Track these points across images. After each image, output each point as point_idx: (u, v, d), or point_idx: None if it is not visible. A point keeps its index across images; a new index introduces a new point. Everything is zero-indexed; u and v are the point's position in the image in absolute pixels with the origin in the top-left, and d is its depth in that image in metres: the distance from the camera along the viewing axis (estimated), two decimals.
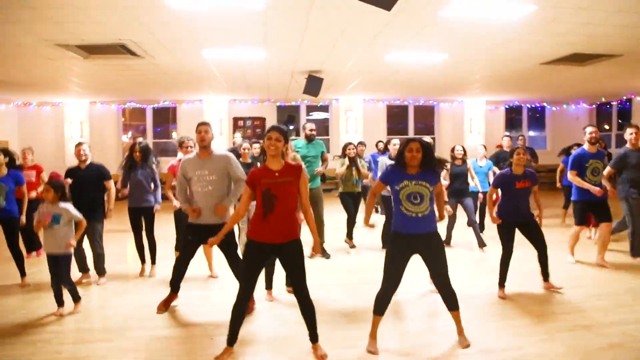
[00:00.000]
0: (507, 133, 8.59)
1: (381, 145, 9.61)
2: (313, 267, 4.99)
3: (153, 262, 5.28)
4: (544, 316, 3.91)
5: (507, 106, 14.83)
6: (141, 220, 5.25)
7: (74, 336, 3.67)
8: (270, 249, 3.18)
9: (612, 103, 14.25)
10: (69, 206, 4.11)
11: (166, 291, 4.27)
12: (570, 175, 5.36)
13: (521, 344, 3.39)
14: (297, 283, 3.21)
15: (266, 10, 5.33)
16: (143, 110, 13.76)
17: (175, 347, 3.47)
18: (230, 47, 7.13)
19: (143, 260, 5.30)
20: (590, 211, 5.56)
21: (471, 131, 14.05)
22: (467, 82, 10.89)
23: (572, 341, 3.40)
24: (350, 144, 6.55)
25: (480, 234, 6.40)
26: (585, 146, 5.39)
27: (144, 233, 5.29)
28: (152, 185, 5.29)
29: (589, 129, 5.39)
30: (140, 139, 5.47)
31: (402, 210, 3.29)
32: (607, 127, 14.88)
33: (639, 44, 6.90)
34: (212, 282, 5.04)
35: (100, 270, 5.07)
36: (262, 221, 3.12)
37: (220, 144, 12.42)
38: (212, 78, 9.85)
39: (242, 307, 3.22)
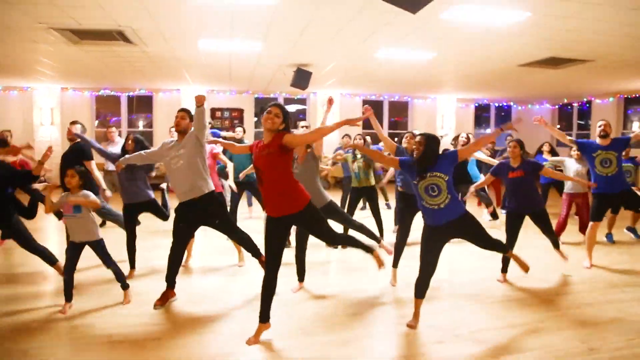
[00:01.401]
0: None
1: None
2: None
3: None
4: (550, 297, 4.35)
5: (476, 104, 15.53)
6: (137, 217, 4.98)
7: (117, 321, 3.70)
8: (280, 221, 3.31)
9: (573, 104, 15.21)
10: (88, 193, 4.02)
11: (188, 277, 4.40)
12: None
13: (540, 319, 3.80)
14: (326, 236, 3.49)
15: (277, 4, 5.42)
16: (117, 98, 13.42)
17: (220, 329, 3.61)
18: (228, 39, 7.17)
19: (132, 265, 4.90)
20: (609, 206, 5.35)
21: (442, 127, 14.61)
22: (446, 80, 11.35)
23: (581, 317, 3.85)
24: (358, 134, 6.38)
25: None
26: (597, 140, 5.23)
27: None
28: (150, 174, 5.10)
29: (600, 122, 5.25)
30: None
31: (425, 205, 3.48)
32: (558, 126, 15.86)
33: (609, 51, 7.50)
34: (237, 270, 5.14)
35: None
36: (266, 197, 3.31)
37: None
38: (199, 68, 9.79)
39: (271, 284, 3.33)
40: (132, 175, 4.82)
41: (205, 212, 4.10)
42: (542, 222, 4.78)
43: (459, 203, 3.55)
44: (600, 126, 5.19)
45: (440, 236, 3.56)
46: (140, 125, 14.14)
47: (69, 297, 3.94)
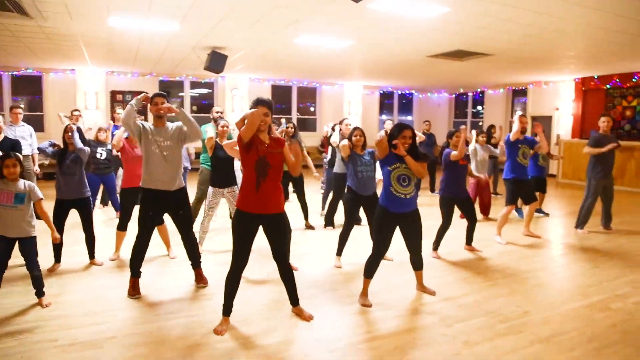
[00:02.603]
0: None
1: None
2: None
3: (92, 256, 4.82)
4: (479, 270, 4.79)
5: (381, 91, 16.27)
6: (67, 214, 4.67)
7: (57, 323, 3.36)
8: (259, 219, 3.31)
9: (468, 94, 16.61)
10: (30, 183, 3.66)
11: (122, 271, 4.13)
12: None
13: (477, 289, 4.19)
14: (280, 252, 3.43)
15: None
16: None
17: (176, 321, 3.45)
18: (144, 18, 6.69)
19: (58, 260, 4.66)
20: (522, 190, 5.86)
21: (350, 113, 15.12)
22: (357, 67, 11.71)
23: (510, 285, 4.32)
24: (289, 122, 6.50)
25: None
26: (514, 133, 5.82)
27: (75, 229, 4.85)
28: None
29: (522, 118, 5.82)
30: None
31: (392, 192, 3.67)
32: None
33: (508, 47, 8.31)
34: (173, 262, 4.93)
35: None
36: (255, 192, 3.23)
37: (98, 120, 11.42)
38: (102, 48, 9.01)
39: (237, 280, 3.36)
40: (75, 169, 4.57)
41: (174, 201, 4.08)
42: (470, 207, 5.24)
43: (416, 199, 3.83)
44: (524, 123, 5.86)
45: (396, 222, 3.77)
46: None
47: None
